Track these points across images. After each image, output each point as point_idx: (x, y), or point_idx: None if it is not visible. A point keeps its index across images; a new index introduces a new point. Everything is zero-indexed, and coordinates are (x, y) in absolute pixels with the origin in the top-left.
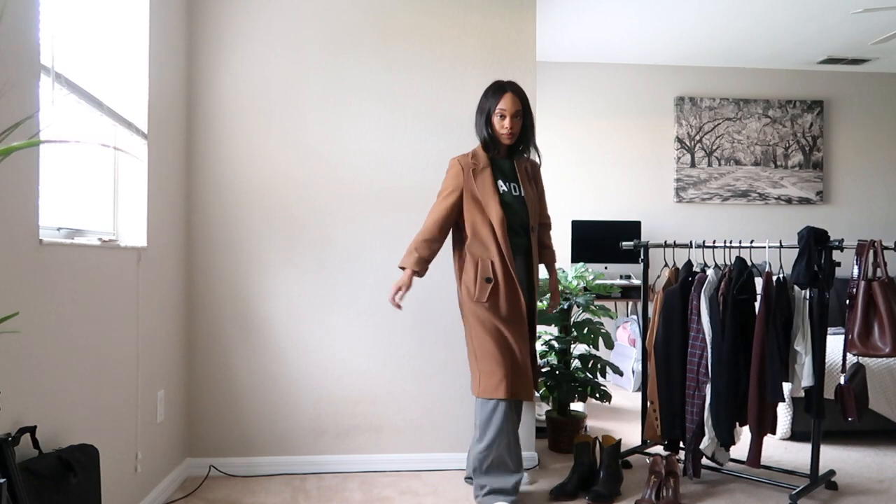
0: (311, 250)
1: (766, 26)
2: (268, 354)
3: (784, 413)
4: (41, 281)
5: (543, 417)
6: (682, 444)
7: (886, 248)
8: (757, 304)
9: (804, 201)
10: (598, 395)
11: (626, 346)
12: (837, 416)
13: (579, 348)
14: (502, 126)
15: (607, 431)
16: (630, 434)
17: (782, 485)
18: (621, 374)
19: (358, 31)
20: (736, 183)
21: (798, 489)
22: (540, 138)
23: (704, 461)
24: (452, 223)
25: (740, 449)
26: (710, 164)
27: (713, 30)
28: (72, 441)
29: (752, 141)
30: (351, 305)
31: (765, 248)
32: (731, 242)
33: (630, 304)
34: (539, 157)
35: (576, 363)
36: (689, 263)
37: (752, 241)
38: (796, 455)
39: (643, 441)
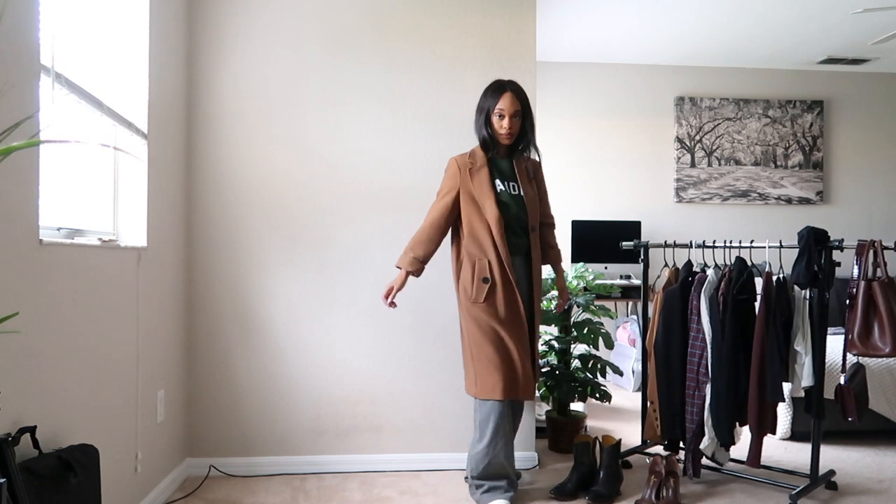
0: (311, 250)
1: (766, 26)
2: (268, 354)
3: (784, 413)
4: (41, 281)
5: (543, 417)
6: (682, 444)
7: (886, 248)
8: (757, 304)
9: (804, 201)
10: (598, 395)
11: (626, 346)
12: (837, 416)
13: (579, 348)
14: (501, 126)
15: (607, 431)
16: (630, 434)
17: (782, 485)
18: (621, 374)
19: (358, 31)
20: (736, 183)
21: (798, 489)
22: (540, 138)
23: (704, 461)
24: (450, 224)
25: (740, 449)
26: (710, 164)
27: (713, 30)
28: (72, 441)
29: (752, 141)
30: (351, 305)
31: (765, 248)
32: (731, 242)
33: (630, 304)
34: (539, 156)
35: (576, 363)
36: (689, 263)
37: (752, 241)
38: (796, 455)
39: (643, 441)
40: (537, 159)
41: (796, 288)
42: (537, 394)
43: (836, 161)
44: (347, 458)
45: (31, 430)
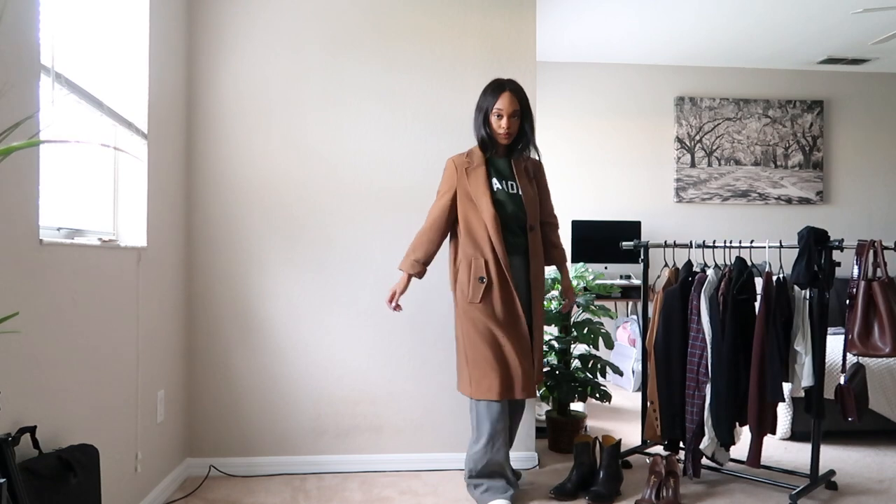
0: (311, 250)
1: (766, 26)
2: (268, 354)
3: (784, 413)
4: (41, 281)
5: (543, 417)
6: (682, 444)
7: (886, 248)
8: (757, 304)
9: (804, 201)
10: (598, 395)
11: (626, 346)
12: (837, 416)
13: (579, 348)
14: (499, 126)
15: (607, 431)
16: (630, 434)
17: (782, 485)
18: (621, 374)
19: (358, 31)
20: (736, 183)
21: (798, 489)
22: (540, 138)
23: (704, 461)
24: (450, 224)
25: (740, 449)
26: (710, 164)
27: (713, 30)
28: (72, 441)
29: (752, 141)
30: (351, 305)
31: (765, 248)
32: (731, 242)
33: (630, 304)
34: (539, 156)
35: (576, 363)
36: (689, 263)
37: (752, 241)
38: (796, 455)
39: (643, 441)
40: (537, 159)
41: (796, 288)
42: (538, 394)
43: (836, 161)
44: (347, 458)
45: (31, 430)
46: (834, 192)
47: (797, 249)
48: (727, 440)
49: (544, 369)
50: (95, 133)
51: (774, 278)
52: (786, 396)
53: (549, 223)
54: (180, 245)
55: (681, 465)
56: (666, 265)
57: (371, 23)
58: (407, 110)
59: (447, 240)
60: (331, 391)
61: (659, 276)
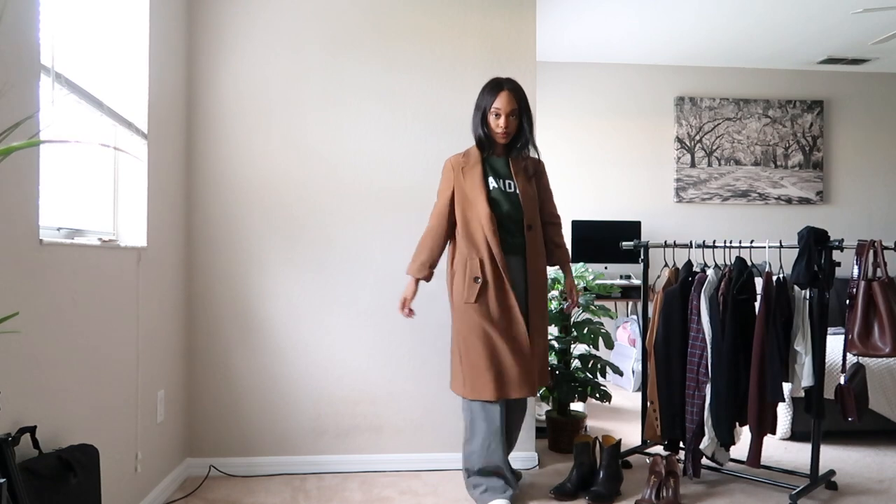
0: (311, 250)
1: (766, 26)
2: (268, 354)
3: (784, 413)
4: (41, 281)
5: (543, 417)
6: (682, 444)
7: (886, 248)
8: (757, 304)
9: (804, 201)
10: (598, 395)
11: (626, 346)
12: (837, 416)
13: (579, 348)
14: (497, 125)
15: (607, 431)
16: (630, 434)
17: (782, 485)
18: (621, 374)
19: (358, 31)
20: (736, 183)
21: (798, 489)
22: (540, 138)
23: (704, 461)
24: (451, 225)
25: (740, 449)
26: (710, 164)
27: (713, 30)
28: (72, 441)
29: (752, 141)
30: (351, 305)
31: (765, 248)
32: (731, 242)
33: (630, 304)
34: (538, 154)
35: (576, 363)
36: (689, 263)
37: (752, 241)
38: (796, 455)
39: (643, 441)
40: (537, 158)
41: (796, 288)
42: (537, 394)
43: (836, 161)
44: (347, 458)
45: (31, 430)
46: (834, 192)
47: (797, 249)
48: (727, 440)
49: None
50: (95, 133)
51: (774, 278)
52: (786, 396)
53: (552, 223)
54: (180, 245)
55: (681, 465)
56: (666, 265)
57: (371, 23)
58: (407, 110)
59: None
60: (331, 391)
61: (659, 276)
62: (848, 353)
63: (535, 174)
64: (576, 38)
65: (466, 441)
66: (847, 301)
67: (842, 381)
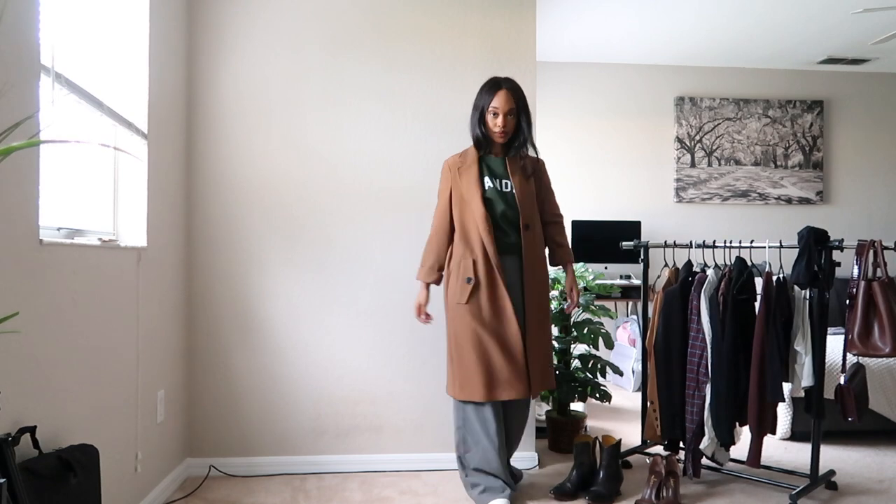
0: (311, 250)
1: (766, 26)
2: (268, 354)
3: (784, 413)
4: (41, 281)
5: (543, 417)
6: (682, 444)
7: (886, 248)
8: (757, 304)
9: (804, 201)
10: (598, 395)
11: (626, 346)
12: (837, 416)
13: (579, 348)
14: (495, 124)
15: (607, 431)
16: (630, 434)
17: (782, 485)
18: (621, 374)
19: (358, 31)
20: (736, 183)
21: (798, 489)
22: (540, 138)
23: (704, 461)
24: (453, 225)
25: (740, 449)
26: (710, 164)
27: (713, 30)
28: (72, 441)
29: (752, 141)
30: (351, 305)
31: (765, 248)
32: (731, 242)
33: (630, 304)
34: (536, 153)
35: (576, 363)
36: (689, 263)
37: (752, 241)
38: (796, 455)
39: (643, 441)
40: (535, 157)
41: (796, 288)
42: (529, 395)
43: (836, 161)
44: (347, 458)
45: (31, 430)
46: (834, 192)
47: (797, 249)
48: (727, 440)
49: None
50: (95, 133)
51: (774, 278)
52: (786, 396)
53: (554, 222)
54: (180, 245)
55: (681, 465)
56: (666, 265)
57: (371, 23)
58: (407, 110)
59: None
60: (331, 391)
61: (659, 276)
62: (848, 353)
63: (535, 173)
64: (576, 38)
65: (459, 442)
66: (847, 301)
67: (842, 381)
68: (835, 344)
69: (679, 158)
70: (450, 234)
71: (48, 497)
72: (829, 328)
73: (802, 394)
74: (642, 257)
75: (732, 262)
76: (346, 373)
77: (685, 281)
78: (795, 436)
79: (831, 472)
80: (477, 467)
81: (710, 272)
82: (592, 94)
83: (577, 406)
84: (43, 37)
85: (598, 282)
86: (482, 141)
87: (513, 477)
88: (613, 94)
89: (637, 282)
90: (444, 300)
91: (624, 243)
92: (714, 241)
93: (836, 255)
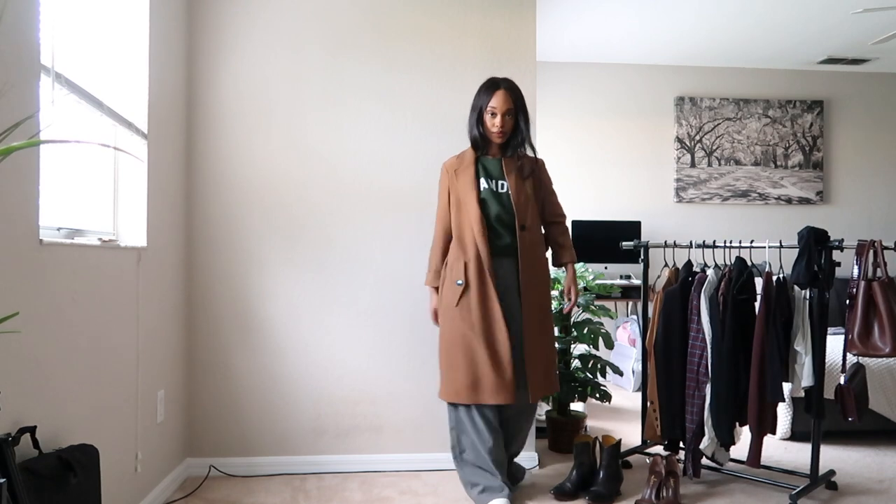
0: (311, 250)
1: (766, 26)
2: (268, 354)
3: (784, 413)
4: (41, 281)
5: (543, 417)
6: (682, 444)
7: (886, 248)
8: (757, 304)
9: (804, 201)
10: (598, 395)
11: (626, 346)
12: (837, 416)
13: (579, 348)
14: (493, 124)
15: (607, 431)
16: (630, 434)
17: (782, 485)
18: (621, 374)
19: (358, 31)
20: (736, 183)
21: (798, 489)
22: (540, 138)
23: (704, 461)
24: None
25: (740, 449)
26: (710, 164)
27: (713, 30)
28: (72, 441)
29: (752, 141)
30: (351, 305)
31: (765, 248)
32: (731, 242)
33: (630, 304)
34: (534, 153)
35: (576, 363)
36: (689, 263)
37: (752, 241)
38: (796, 455)
39: (643, 441)
40: (533, 157)
41: (796, 288)
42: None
43: (836, 161)
44: (347, 458)
45: (31, 430)
46: (834, 192)
47: (797, 249)
48: (727, 440)
49: None
50: (95, 133)
51: (774, 278)
52: (786, 396)
53: (555, 222)
54: (180, 245)
55: (681, 465)
56: (666, 265)
57: (371, 23)
58: (407, 110)
59: None
60: (331, 391)
61: (659, 276)
62: (848, 353)
63: (533, 174)
64: (576, 38)
65: (453, 444)
66: (847, 301)
67: (842, 381)
68: (835, 344)
69: (679, 158)
70: (450, 236)
71: (48, 497)
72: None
73: (802, 394)
74: (642, 257)
75: (732, 262)
76: (346, 373)
77: (685, 281)
78: (795, 436)
79: (831, 472)
80: (473, 468)
81: (710, 272)
82: (592, 94)
83: (577, 406)
84: (43, 37)
85: (598, 282)
86: (480, 141)
87: (514, 476)
88: (613, 94)
89: (637, 282)
90: (439, 301)
91: (624, 243)
92: (714, 241)
93: (836, 255)
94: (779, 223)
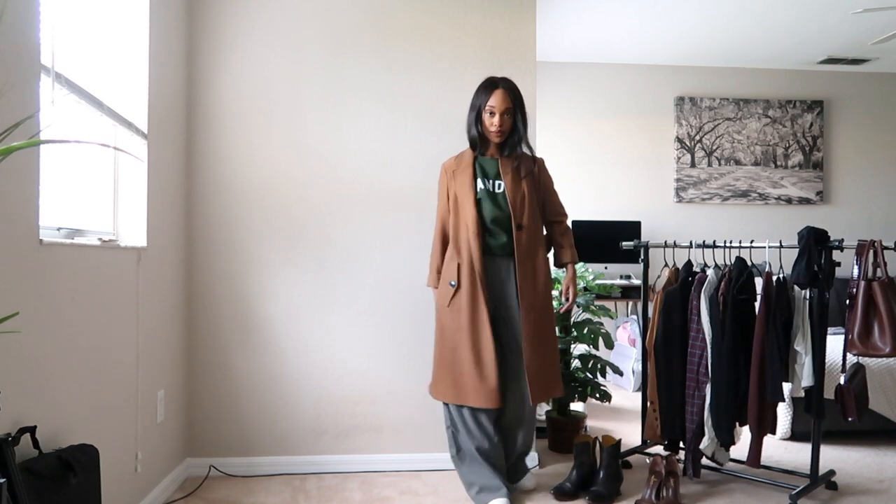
0: (311, 250)
1: (766, 26)
2: (268, 354)
3: (784, 413)
4: (41, 281)
5: (543, 417)
6: (682, 444)
7: (886, 248)
8: (757, 304)
9: (804, 201)
10: (598, 395)
11: (626, 346)
12: (837, 416)
13: (579, 348)
14: (491, 123)
15: (607, 431)
16: (630, 434)
17: (782, 485)
18: (621, 374)
19: (358, 31)
20: (736, 183)
21: (798, 489)
22: (540, 138)
23: (704, 461)
24: None
25: (740, 449)
26: (710, 164)
27: (713, 30)
28: (72, 441)
29: (752, 141)
30: (351, 305)
31: (765, 248)
32: (731, 242)
33: (630, 304)
34: (532, 152)
35: (576, 363)
36: (689, 263)
37: (752, 241)
38: (796, 455)
39: (643, 441)
40: (530, 155)
41: (796, 288)
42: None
43: (836, 161)
44: (347, 458)
45: (31, 430)
46: (834, 192)
47: (797, 249)
48: (727, 440)
49: None
50: (95, 133)
51: (774, 278)
52: (786, 396)
53: (556, 221)
54: (180, 245)
55: (681, 465)
56: (666, 265)
57: (371, 23)
58: (407, 110)
59: None
60: (331, 391)
61: (659, 276)
62: (848, 353)
63: (531, 173)
64: (576, 38)
65: (451, 443)
66: (847, 301)
67: (842, 381)
68: (835, 344)
69: (679, 158)
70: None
71: (48, 497)
72: (829, 328)
73: (802, 394)
74: (642, 257)
75: (732, 262)
76: (346, 373)
77: (685, 281)
78: (795, 436)
79: (831, 472)
80: (470, 467)
81: (710, 272)
82: (592, 94)
83: (577, 406)
84: (43, 37)
85: (598, 282)
86: (478, 141)
87: (514, 475)
88: (613, 94)
89: (637, 282)
90: (435, 301)
91: (624, 243)
92: (714, 241)
93: (836, 255)
94: (779, 223)
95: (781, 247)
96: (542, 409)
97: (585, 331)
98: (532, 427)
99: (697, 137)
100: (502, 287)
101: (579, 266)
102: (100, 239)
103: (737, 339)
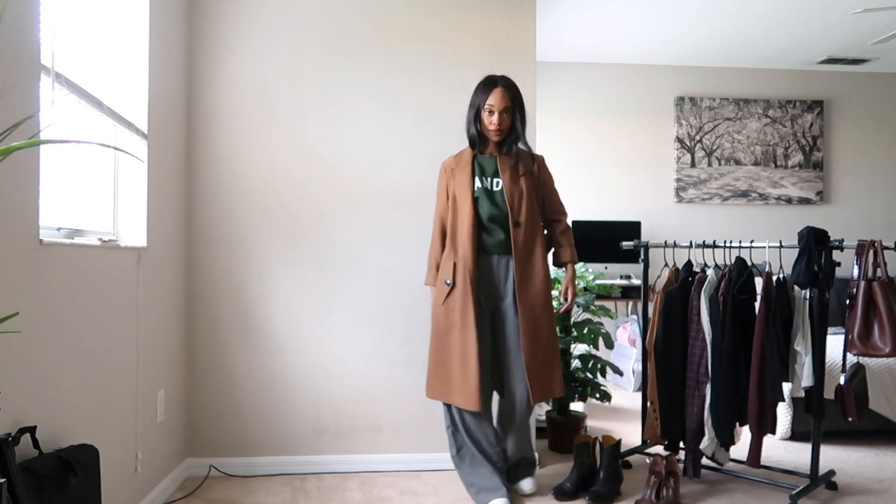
0: (311, 250)
1: (766, 26)
2: (268, 354)
3: (784, 413)
4: (41, 281)
5: (543, 417)
6: (682, 444)
7: (886, 248)
8: (757, 304)
9: (804, 201)
10: (598, 395)
11: (626, 346)
12: (837, 416)
13: (579, 348)
14: (490, 122)
15: (607, 431)
16: (630, 434)
17: (782, 485)
18: (621, 374)
19: (358, 31)
20: (736, 183)
21: (798, 489)
22: (540, 138)
23: (704, 461)
24: None
25: (740, 449)
26: (710, 164)
27: (713, 30)
28: (72, 441)
29: (752, 141)
30: (351, 305)
31: (765, 248)
32: (731, 242)
33: (630, 304)
34: (530, 151)
35: (576, 363)
36: (689, 263)
37: (752, 241)
38: (796, 455)
39: (643, 441)
40: (531, 153)
41: (796, 288)
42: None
43: (836, 161)
44: (347, 458)
45: (31, 430)
46: (834, 192)
47: (797, 249)
48: (727, 440)
49: None
50: (95, 133)
51: (774, 278)
52: (786, 396)
53: (556, 220)
54: (180, 245)
55: (681, 465)
56: (666, 265)
57: (371, 23)
58: (407, 110)
59: None
60: (331, 391)
61: (659, 276)
62: (848, 353)
63: (530, 171)
64: (576, 38)
65: (451, 442)
66: (847, 301)
67: (842, 381)
68: (835, 344)
69: (679, 158)
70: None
71: (48, 497)
72: (829, 328)
73: (802, 394)
74: (642, 257)
75: (732, 262)
76: (346, 373)
77: (685, 281)
78: (795, 436)
79: (831, 472)
80: (470, 467)
81: (710, 272)
82: (592, 94)
83: (577, 406)
84: (43, 37)
85: (598, 282)
86: (477, 139)
87: (514, 475)
88: (613, 94)
89: (637, 282)
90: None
91: (624, 243)
92: (714, 241)
93: (836, 255)
94: (779, 223)
95: (781, 247)
96: (543, 409)
97: (585, 331)
98: (527, 433)
99: (697, 137)
100: (500, 285)
101: (579, 266)
102: (100, 239)
103: (737, 339)
